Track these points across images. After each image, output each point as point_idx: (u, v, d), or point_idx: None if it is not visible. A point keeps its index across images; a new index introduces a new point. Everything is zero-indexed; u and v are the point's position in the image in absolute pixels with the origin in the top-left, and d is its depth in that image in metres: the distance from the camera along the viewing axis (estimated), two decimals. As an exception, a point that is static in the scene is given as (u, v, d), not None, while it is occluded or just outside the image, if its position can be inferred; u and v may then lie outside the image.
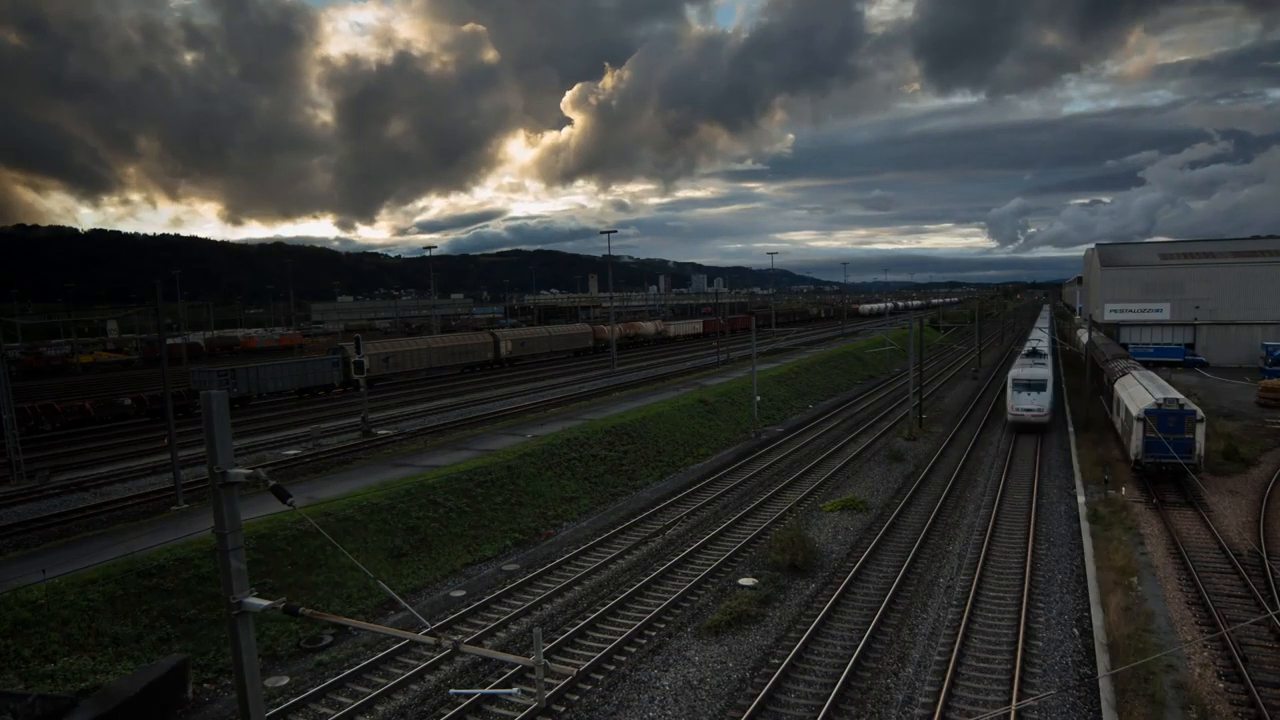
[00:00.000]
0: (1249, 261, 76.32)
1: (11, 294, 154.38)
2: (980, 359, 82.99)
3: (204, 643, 18.63)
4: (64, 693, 15.31)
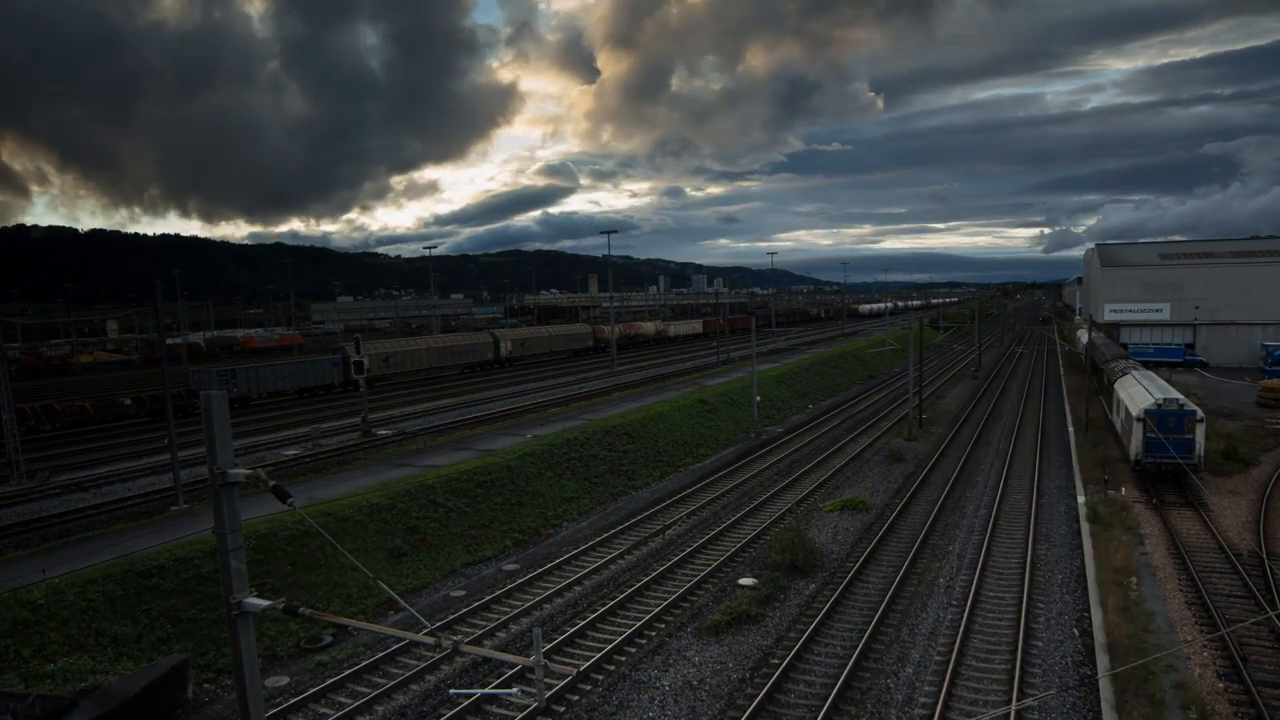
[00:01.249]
0: (1249, 261, 76.34)
1: (11, 294, 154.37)
2: (980, 359, 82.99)
3: (204, 643, 18.63)
4: (64, 693, 15.31)
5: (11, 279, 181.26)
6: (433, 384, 69.08)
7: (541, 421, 42.41)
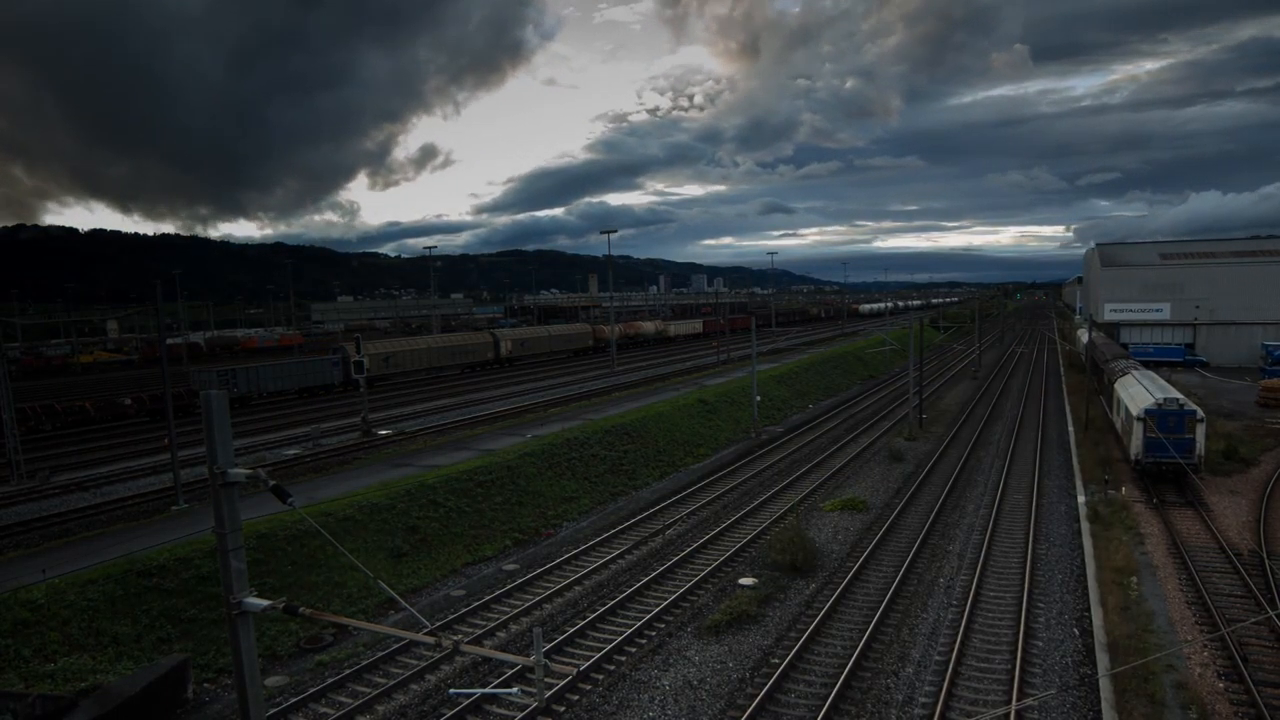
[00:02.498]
0: (1249, 261, 76.34)
1: (11, 294, 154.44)
2: (980, 359, 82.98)
3: (204, 643, 18.63)
4: (64, 693, 15.31)
5: (12, 279, 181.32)
6: (433, 384, 69.08)
7: (541, 421, 42.40)
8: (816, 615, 20.04)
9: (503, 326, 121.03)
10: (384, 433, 42.94)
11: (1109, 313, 78.11)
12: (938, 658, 17.92)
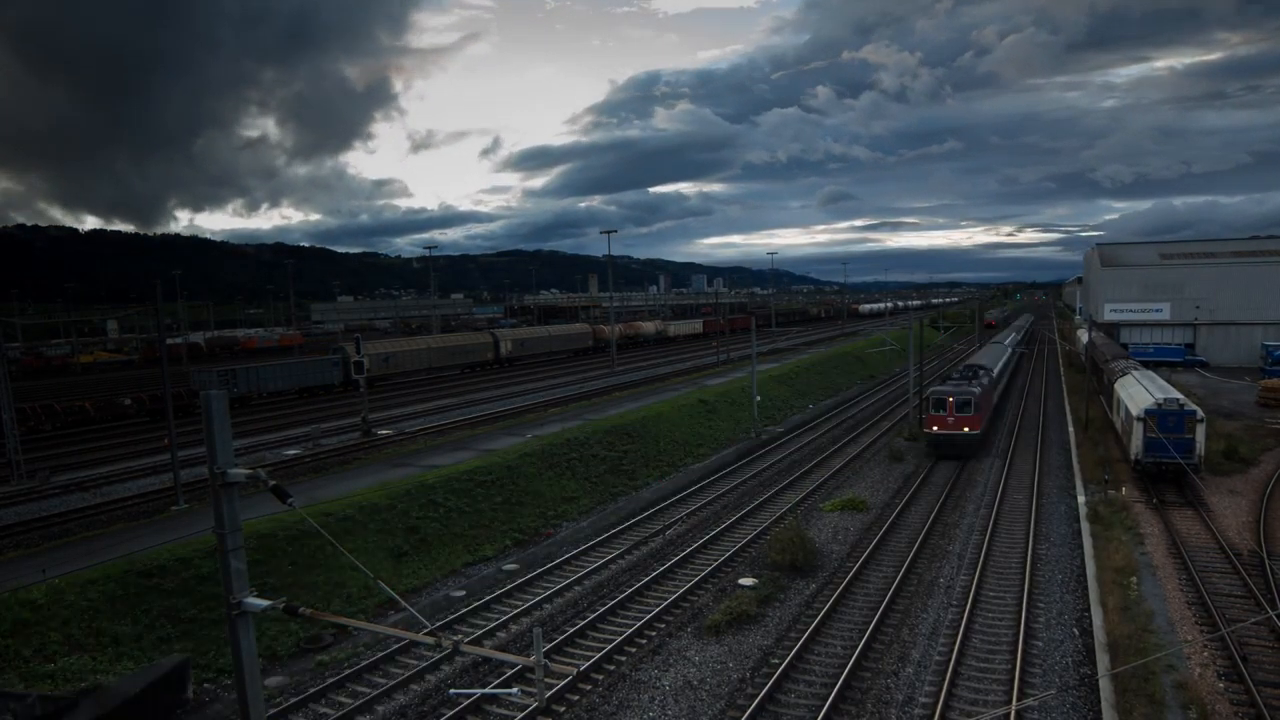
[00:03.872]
0: (1249, 261, 76.31)
1: (11, 294, 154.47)
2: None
3: (204, 643, 18.63)
4: (64, 693, 15.31)
5: (12, 279, 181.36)
6: (433, 384, 69.09)
7: (541, 421, 42.40)
8: (817, 615, 20.04)
9: (503, 326, 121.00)
10: (384, 433, 42.93)
11: (1109, 313, 78.09)
12: (938, 658, 17.93)
